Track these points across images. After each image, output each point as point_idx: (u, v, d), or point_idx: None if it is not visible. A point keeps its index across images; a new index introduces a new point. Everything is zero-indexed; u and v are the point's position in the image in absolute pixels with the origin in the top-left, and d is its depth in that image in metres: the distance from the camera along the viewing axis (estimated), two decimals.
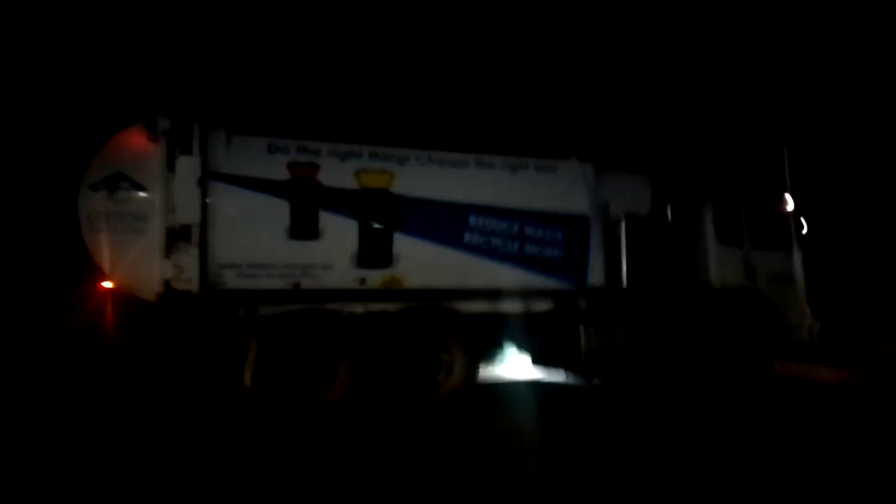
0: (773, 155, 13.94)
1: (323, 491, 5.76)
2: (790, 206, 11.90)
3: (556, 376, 11.39)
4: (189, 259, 8.36)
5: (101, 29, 13.51)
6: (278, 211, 8.80)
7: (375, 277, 9.18)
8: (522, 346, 10.59)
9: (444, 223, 9.55)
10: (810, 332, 11.63)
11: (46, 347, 9.45)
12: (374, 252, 9.18)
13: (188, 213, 8.37)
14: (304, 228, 8.90)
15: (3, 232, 11.00)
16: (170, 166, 8.37)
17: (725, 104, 17.50)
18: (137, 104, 10.36)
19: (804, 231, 11.84)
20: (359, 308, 9.13)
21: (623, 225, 10.57)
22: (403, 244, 9.31)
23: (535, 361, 11.15)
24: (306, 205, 8.93)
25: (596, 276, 10.34)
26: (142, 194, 8.35)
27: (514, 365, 11.39)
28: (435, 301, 9.50)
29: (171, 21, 14.11)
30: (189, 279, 8.35)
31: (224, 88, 12.58)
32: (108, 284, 8.32)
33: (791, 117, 14.97)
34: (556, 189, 10.25)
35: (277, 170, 8.89)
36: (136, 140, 8.47)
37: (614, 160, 11.09)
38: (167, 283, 8.30)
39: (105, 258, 8.29)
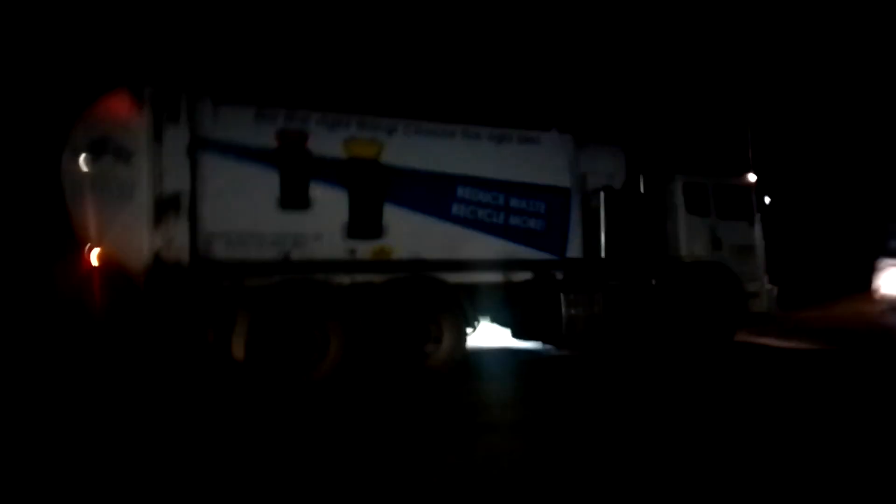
0: (738, 130, 14.40)
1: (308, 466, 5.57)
2: (752, 180, 12.34)
3: (536, 346, 11.57)
4: (178, 229, 8.11)
5: None
6: (268, 180, 8.62)
7: (365, 248, 9.11)
8: (504, 316, 10.72)
9: (432, 194, 9.54)
10: (768, 301, 12.18)
11: (33, 322, 9.01)
12: (363, 222, 9.10)
13: (177, 182, 8.10)
14: (294, 198, 8.75)
15: None
16: (157, 134, 8.07)
17: (696, 81, 17.93)
18: (124, 70, 9.90)
19: (766, 203, 12.30)
20: (348, 279, 9.06)
21: (601, 197, 10.77)
22: (392, 215, 9.27)
23: (516, 332, 11.28)
24: (296, 174, 8.77)
25: (575, 247, 10.53)
26: (128, 161, 8.02)
27: (495, 336, 11.51)
28: (423, 272, 9.50)
29: None
30: (179, 250, 8.10)
31: (212, 56, 12.12)
32: (93, 256, 8.00)
33: (755, 93, 15.47)
34: (539, 161, 10.35)
35: (266, 138, 8.69)
36: (122, 106, 8.13)
37: (591, 133, 11.25)
38: (156, 255, 8.03)
39: (90, 228, 7.97)
